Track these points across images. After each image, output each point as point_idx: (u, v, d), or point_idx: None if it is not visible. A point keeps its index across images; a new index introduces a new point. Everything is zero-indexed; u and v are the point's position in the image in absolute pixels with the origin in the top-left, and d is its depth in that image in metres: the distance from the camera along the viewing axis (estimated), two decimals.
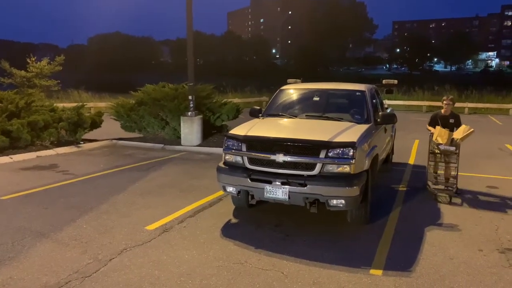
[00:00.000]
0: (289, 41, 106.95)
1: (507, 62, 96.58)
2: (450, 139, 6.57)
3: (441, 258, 4.40)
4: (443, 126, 6.76)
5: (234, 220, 5.57)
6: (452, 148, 6.55)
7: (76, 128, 11.40)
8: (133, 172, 8.37)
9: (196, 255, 4.43)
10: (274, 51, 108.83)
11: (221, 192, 6.39)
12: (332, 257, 4.39)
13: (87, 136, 11.97)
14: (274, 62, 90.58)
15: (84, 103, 13.10)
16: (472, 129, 6.48)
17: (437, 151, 6.79)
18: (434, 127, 6.89)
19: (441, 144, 6.60)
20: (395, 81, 8.15)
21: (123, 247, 4.59)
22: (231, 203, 6.01)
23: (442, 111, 7.14)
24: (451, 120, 6.98)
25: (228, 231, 5.16)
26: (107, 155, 10.32)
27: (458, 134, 6.62)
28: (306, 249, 4.59)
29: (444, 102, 7.06)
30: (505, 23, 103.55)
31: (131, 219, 5.50)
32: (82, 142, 11.51)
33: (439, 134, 6.64)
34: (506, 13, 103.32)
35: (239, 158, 5.17)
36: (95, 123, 12.09)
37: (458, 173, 6.80)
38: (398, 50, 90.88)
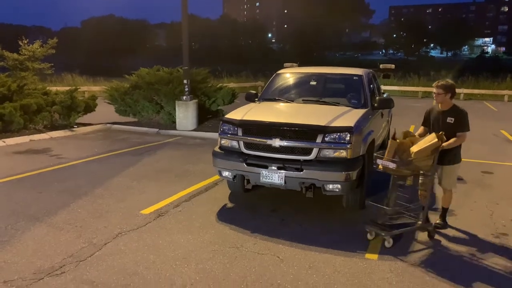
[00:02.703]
0: (285, 26, 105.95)
1: (503, 48, 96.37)
2: (393, 150, 4.25)
3: (436, 243, 4.41)
4: (438, 127, 4.55)
5: (229, 205, 5.56)
6: (392, 165, 4.17)
7: (69, 112, 11.28)
8: (127, 157, 8.30)
9: (191, 239, 4.42)
10: (270, 35, 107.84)
11: (216, 177, 6.35)
12: (327, 241, 4.39)
13: (81, 120, 11.86)
14: (270, 47, 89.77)
15: (78, 87, 12.95)
16: (435, 140, 4.16)
17: (380, 166, 4.36)
18: (429, 128, 4.74)
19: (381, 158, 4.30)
20: (393, 66, 8.10)
21: (118, 232, 4.56)
22: (227, 188, 5.98)
23: (438, 104, 4.67)
24: (450, 119, 4.48)
25: (224, 215, 5.14)
26: (101, 139, 10.24)
27: (418, 145, 4.28)
28: (301, 234, 4.59)
29: (434, 90, 4.57)
30: (502, 9, 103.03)
31: (126, 204, 5.47)
32: (76, 126, 11.40)
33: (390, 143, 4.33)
34: None
35: (235, 143, 5.12)
36: (89, 107, 11.97)
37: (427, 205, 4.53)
38: (394, 35, 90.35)
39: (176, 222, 4.88)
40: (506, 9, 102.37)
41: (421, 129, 4.87)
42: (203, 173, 6.89)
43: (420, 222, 4.46)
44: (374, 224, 4.45)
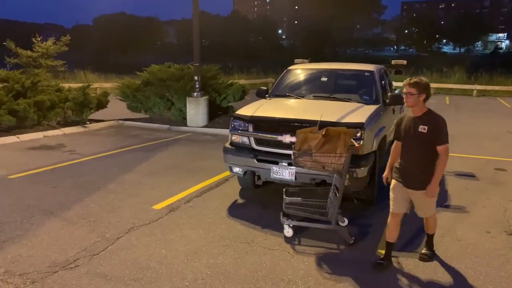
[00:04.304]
0: (296, 22, 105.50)
1: None
2: (299, 142, 4.07)
3: (449, 240, 4.38)
4: (410, 138, 3.61)
5: (240, 201, 5.58)
6: (292, 156, 4.08)
7: (82, 108, 11.40)
8: (139, 153, 8.38)
9: (202, 234, 4.45)
10: (280, 31, 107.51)
11: (227, 173, 6.38)
12: (338, 237, 4.38)
13: (93, 116, 11.98)
14: (280, 43, 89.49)
15: (90, 84, 13.08)
16: (321, 135, 3.95)
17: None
18: (398, 140, 3.81)
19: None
20: (404, 62, 8.01)
21: (131, 226, 4.62)
22: (238, 184, 6.01)
23: (410, 109, 3.70)
24: (422, 128, 3.51)
25: (235, 211, 5.17)
26: (114, 136, 10.34)
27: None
28: (312, 229, 4.56)
29: (405, 90, 3.60)
30: None
31: (138, 199, 5.53)
32: (88, 122, 11.53)
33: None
34: None
35: (245, 139, 5.15)
36: (101, 104, 12.09)
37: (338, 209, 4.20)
38: (406, 31, 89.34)
39: (187, 217, 4.92)
40: None
41: (395, 144, 3.88)
42: (214, 169, 6.93)
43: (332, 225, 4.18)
44: (283, 212, 4.44)
